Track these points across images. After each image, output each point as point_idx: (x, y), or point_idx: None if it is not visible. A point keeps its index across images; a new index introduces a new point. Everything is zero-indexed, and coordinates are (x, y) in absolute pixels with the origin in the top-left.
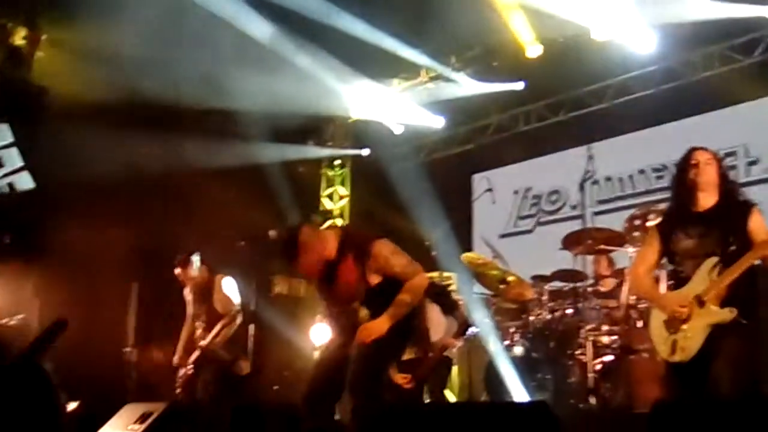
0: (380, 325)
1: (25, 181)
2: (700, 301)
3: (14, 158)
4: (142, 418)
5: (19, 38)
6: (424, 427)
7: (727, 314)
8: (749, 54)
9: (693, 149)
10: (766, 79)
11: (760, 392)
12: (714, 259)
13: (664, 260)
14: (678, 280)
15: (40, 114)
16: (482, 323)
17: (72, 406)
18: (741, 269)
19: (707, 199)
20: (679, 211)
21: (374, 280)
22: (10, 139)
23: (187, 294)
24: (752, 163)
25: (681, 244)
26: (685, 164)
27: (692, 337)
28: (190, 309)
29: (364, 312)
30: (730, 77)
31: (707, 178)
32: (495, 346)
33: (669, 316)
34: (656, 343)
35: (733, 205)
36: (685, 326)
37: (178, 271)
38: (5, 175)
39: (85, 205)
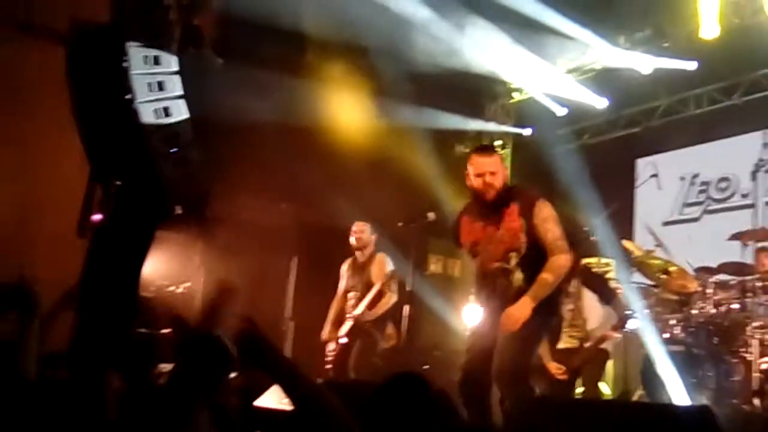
0: (523, 309)
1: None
2: None
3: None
4: None
5: (197, 18)
6: (575, 423)
7: None
8: None
9: None
10: None
11: None
12: None
13: None
14: None
15: (213, 87)
16: (640, 315)
17: (231, 375)
18: None
19: None
20: None
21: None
22: (185, 114)
23: (345, 269)
24: None
25: None
26: None
27: None
28: (342, 284)
29: (519, 274)
30: None
31: None
32: (653, 339)
33: None
34: None
35: None
36: None
37: (355, 228)
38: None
39: (252, 179)
